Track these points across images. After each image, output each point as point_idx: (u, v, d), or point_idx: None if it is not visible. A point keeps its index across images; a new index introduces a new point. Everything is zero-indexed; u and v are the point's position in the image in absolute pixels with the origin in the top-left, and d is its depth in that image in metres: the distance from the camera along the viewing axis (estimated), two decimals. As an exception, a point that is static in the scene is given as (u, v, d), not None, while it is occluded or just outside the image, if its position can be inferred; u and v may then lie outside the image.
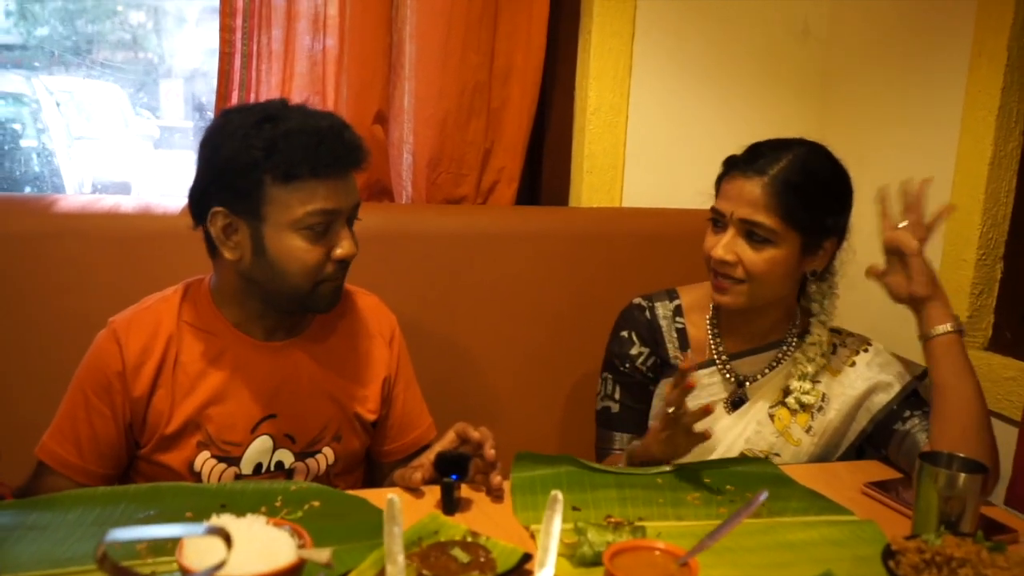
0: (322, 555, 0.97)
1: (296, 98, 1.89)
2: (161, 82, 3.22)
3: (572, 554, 1.17)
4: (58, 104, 3.30)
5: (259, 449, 1.43)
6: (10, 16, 2.95)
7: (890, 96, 2.14)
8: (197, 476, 1.41)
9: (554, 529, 1.01)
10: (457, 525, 1.21)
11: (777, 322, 1.63)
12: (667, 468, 1.48)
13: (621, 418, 1.68)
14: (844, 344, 1.64)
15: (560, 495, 1.02)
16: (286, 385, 1.43)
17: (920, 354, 1.52)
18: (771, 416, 1.59)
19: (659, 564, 1.09)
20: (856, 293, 1.76)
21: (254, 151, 1.29)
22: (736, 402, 1.61)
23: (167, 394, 1.39)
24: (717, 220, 1.54)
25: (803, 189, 1.48)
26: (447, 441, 1.37)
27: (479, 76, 2.08)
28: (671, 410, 1.39)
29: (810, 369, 1.60)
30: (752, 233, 1.50)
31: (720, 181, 1.56)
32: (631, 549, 1.11)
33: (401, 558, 0.97)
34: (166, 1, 3.02)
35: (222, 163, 1.32)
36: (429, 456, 1.37)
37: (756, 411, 1.60)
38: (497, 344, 2.03)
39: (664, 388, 1.64)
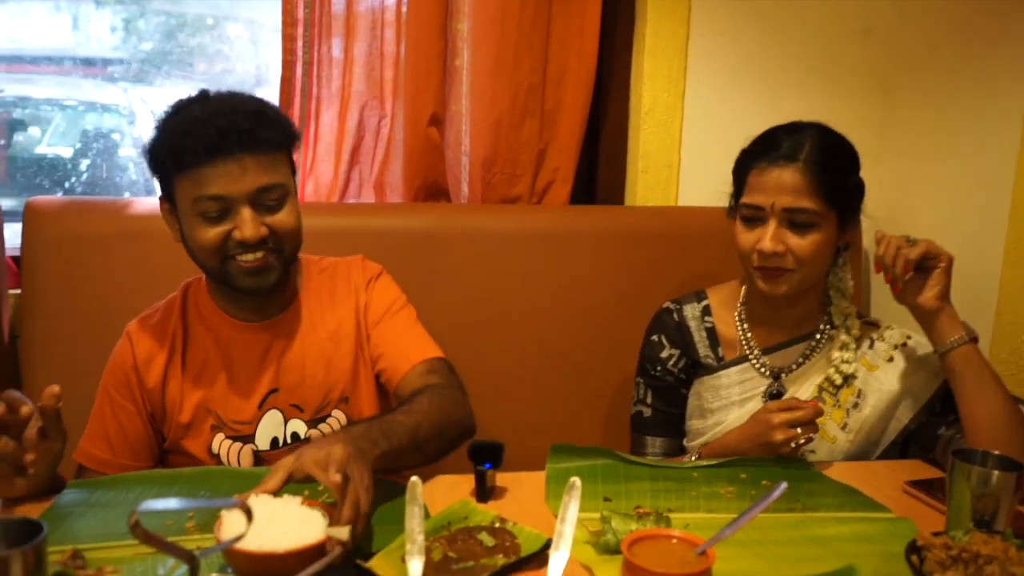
0: (342, 533, 1.01)
1: (355, 103, 2.00)
2: (255, 92, 3.35)
3: (596, 541, 1.18)
4: (153, 114, 3.47)
5: (270, 424, 1.50)
6: (115, 31, 3.11)
7: (954, 98, 2.07)
8: (217, 458, 1.49)
9: (570, 514, 1.05)
10: (487, 512, 1.24)
11: (808, 311, 1.62)
12: (703, 463, 1.49)
13: (653, 422, 1.68)
14: (882, 338, 1.61)
15: (578, 481, 1.06)
16: (281, 359, 1.49)
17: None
18: None
19: (676, 552, 1.10)
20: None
21: (157, 142, 1.37)
22: (774, 395, 1.60)
23: (177, 385, 1.47)
24: (752, 216, 1.53)
25: (832, 164, 1.49)
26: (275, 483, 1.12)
27: (532, 79, 2.10)
28: (799, 443, 1.43)
29: (844, 337, 1.59)
30: (795, 220, 1.49)
31: (745, 175, 1.55)
32: (650, 537, 1.13)
33: (421, 537, 1.03)
34: (262, 15, 3.13)
35: (147, 156, 1.39)
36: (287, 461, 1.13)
37: None
38: (550, 342, 2.05)
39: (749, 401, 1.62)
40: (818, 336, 1.62)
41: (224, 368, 1.48)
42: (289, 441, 1.50)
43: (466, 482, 1.36)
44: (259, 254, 1.38)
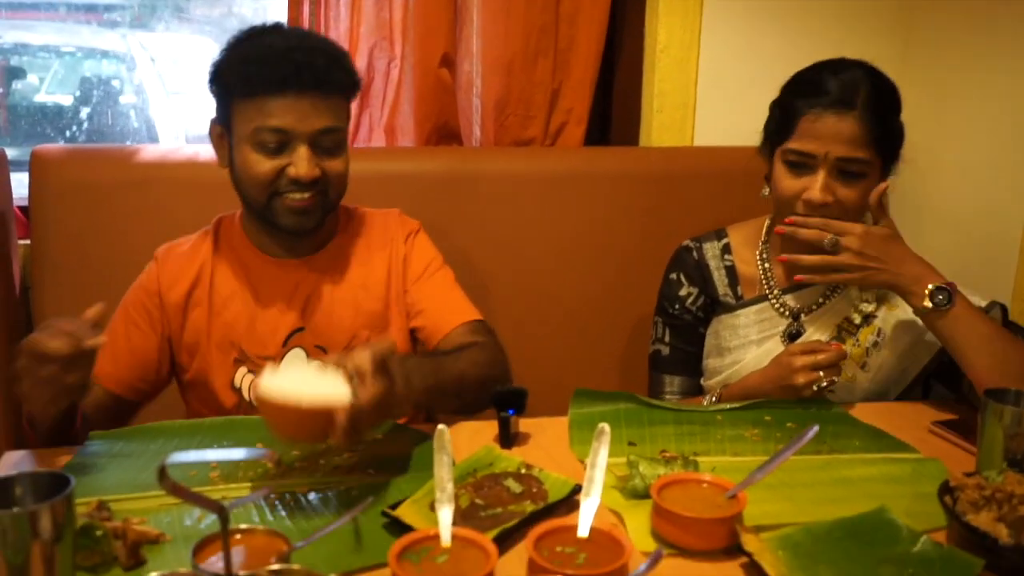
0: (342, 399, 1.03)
1: (363, 45, 1.95)
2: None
3: (624, 487, 1.18)
4: (152, 60, 3.40)
5: None
6: (112, -25, 3.05)
7: (977, 35, 2.01)
8: (238, 392, 1.48)
9: (600, 460, 1.03)
10: (512, 458, 1.24)
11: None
12: (727, 406, 1.47)
13: (670, 361, 1.67)
14: None
15: (607, 427, 1.04)
16: (310, 299, 1.48)
17: (986, 288, 1.47)
18: None
19: (707, 497, 1.10)
20: (927, 226, 1.68)
21: (226, 65, 1.37)
22: (792, 335, 1.59)
23: (203, 314, 1.47)
24: (800, 162, 1.46)
25: (884, 111, 1.45)
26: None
27: (545, 17, 2.05)
28: (821, 386, 1.40)
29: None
30: (847, 170, 1.44)
31: (795, 118, 1.46)
32: (679, 482, 1.13)
33: (450, 485, 1.00)
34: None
35: (210, 77, 1.39)
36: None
37: None
38: (565, 284, 2.03)
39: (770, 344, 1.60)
40: None
41: (251, 302, 1.47)
42: None
43: (489, 428, 1.36)
44: (307, 195, 1.38)
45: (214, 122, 1.44)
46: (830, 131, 1.42)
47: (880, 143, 1.44)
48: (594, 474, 1.03)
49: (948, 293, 1.39)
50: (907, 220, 1.62)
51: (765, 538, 1.05)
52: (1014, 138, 1.88)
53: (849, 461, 1.28)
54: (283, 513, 1.11)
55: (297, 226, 1.41)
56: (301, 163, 1.36)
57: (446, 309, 1.51)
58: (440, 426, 1.05)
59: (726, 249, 1.66)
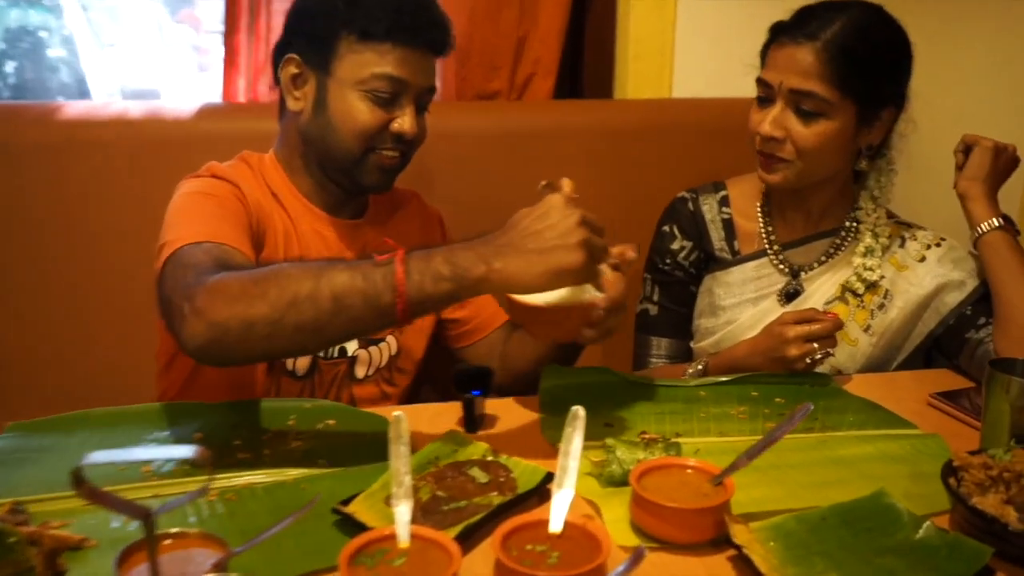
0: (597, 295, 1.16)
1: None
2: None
3: (600, 473, 1.14)
4: (84, 9, 3.29)
5: None
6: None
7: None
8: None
9: (574, 448, 0.98)
10: (477, 444, 1.19)
11: (831, 206, 1.58)
12: (710, 380, 1.44)
13: (659, 321, 1.65)
14: (915, 238, 1.58)
15: (581, 411, 0.99)
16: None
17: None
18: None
19: (691, 483, 1.06)
20: (919, 178, 1.67)
21: (337, 1, 1.34)
22: (790, 294, 1.58)
23: (271, 249, 1.40)
24: (764, 95, 1.49)
25: (859, 53, 1.42)
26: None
27: (510, -42, 1.99)
28: (815, 359, 1.38)
29: (871, 242, 1.56)
30: (802, 106, 1.44)
31: (767, 49, 1.50)
32: (661, 467, 1.09)
33: (408, 479, 0.95)
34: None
35: (304, 10, 1.38)
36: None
37: (811, 306, 1.54)
38: None
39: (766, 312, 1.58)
40: (842, 234, 1.59)
41: (296, 254, 1.42)
42: (336, 356, 1.47)
43: (451, 411, 1.30)
44: (397, 152, 1.39)
45: (292, 57, 1.39)
46: (787, 60, 1.44)
47: (846, 83, 1.42)
48: (567, 463, 0.98)
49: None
50: (901, 169, 1.60)
51: (755, 528, 1.01)
52: (1009, 83, 1.85)
53: (843, 439, 1.26)
54: (221, 512, 1.05)
55: (381, 183, 1.41)
56: (407, 118, 1.36)
57: (490, 309, 1.57)
58: (396, 412, 0.99)
59: (724, 202, 1.65)
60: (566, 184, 1.19)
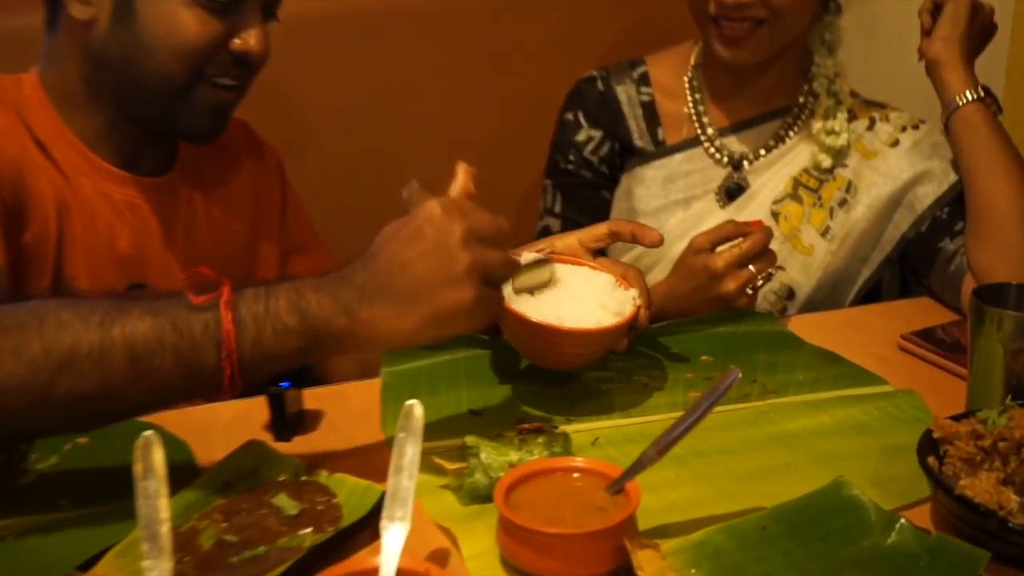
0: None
1: None
2: None
3: (460, 486, 1.04)
4: None
5: None
6: None
7: None
8: None
9: (407, 461, 0.91)
10: (287, 458, 1.08)
11: (782, 78, 1.60)
12: None
13: None
14: (886, 119, 1.60)
15: (417, 408, 0.95)
16: (159, 240, 1.38)
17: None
18: (775, 215, 1.56)
19: (581, 494, 0.97)
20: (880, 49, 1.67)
21: None
22: (731, 191, 1.59)
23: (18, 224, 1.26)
24: None
25: None
26: (597, 236, 1.31)
27: None
28: (757, 285, 1.36)
29: (830, 103, 1.57)
30: None
31: None
32: (540, 473, 0.99)
33: (166, 530, 0.85)
34: None
35: None
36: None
37: (757, 205, 1.57)
38: (403, 162, 1.90)
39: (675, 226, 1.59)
40: (795, 111, 1.60)
41: (72, 230, 1.30)
42: None
43: (255, 411, 1.19)
44: (237, 82, 1.31)
45: None
46: None
47: None
48: (399, 484, 0.90)
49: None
50: (855, 39, 1.65)
51: (670, 552, 0.91)
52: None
53: (790, 407, 1.21)
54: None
55: (212, 128, 1.33)
56: (253, 34, 1.27)
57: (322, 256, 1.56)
58: (146, 432, 0.87)
59: (643, 80, 1.65)
60: (460, 175, 1.12)
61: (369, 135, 1.95)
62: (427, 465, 1.01)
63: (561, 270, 1.20)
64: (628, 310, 1.17)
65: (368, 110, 1.95)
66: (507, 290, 1.11)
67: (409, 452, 0.90)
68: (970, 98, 1.44)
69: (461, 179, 1.11)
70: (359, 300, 0.95)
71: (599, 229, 1.30)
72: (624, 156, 1.63)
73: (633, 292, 1.20)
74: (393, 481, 0.89)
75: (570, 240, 1.29)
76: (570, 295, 1.17)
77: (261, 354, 0.94)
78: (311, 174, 1.73)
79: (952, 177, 1.52)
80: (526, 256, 1.16)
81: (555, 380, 1.27)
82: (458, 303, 0.95)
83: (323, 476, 1.04)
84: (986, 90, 1.46)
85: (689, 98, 1.62)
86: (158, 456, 0.86)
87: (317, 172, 1.83)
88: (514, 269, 1.04)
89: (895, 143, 1.57)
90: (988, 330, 1.10)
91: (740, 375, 0.97)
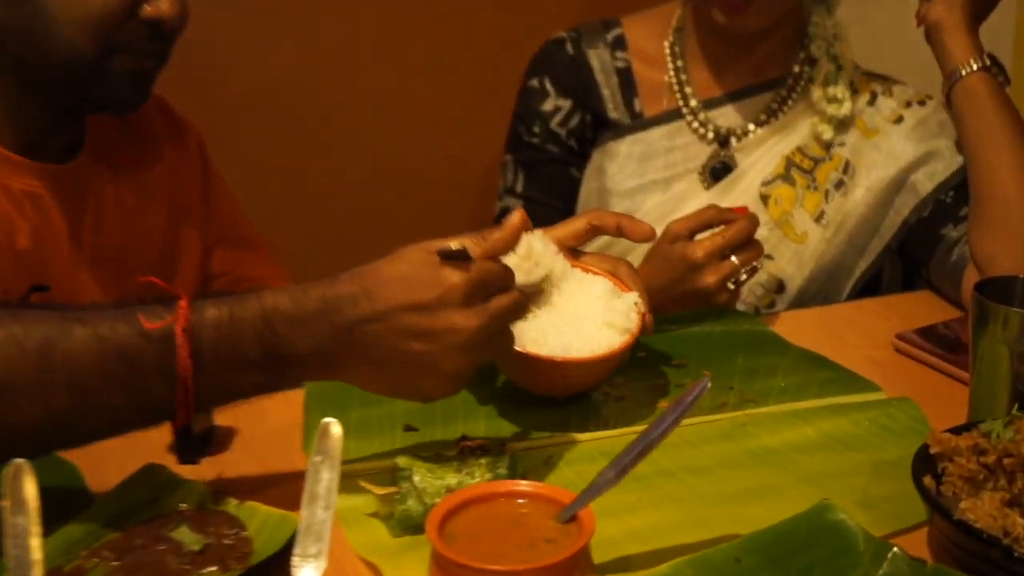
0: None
1: None
2: None
3: (390, 514, 1.02)
4: None
5: None
6: None
7: None
8: None
9: (322, 489, 0.90)
10: (193, 483, 1.06)
11: (778, 48, 1.60)
12: None
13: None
14: (890, 93, 1.61)
15: (334, 425, 0.94)
16: (64, 235, 1.36)
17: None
18: (764, 198, 1.56)
19: (528, 523, 0.94)
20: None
21: None
22: (716, 171, 1.59)
23: None
24: None
25: None
26: (575, 233, 1.28)
27: None
28: (740, 280, 1.36)
29: (829, 66, 1.58)
30: None
31: None
32: (479, 500, 0.96)
33: (37, 574, 0.82)
34: None
35: None
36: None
37: (744, 187, 1.58)
38: (374, 129, 1.96)
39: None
40: (790, 81, 1.60)
41: None
42: None
43: (156, 428, 1.13)
44: (155, 50, 1.31)
45: None
46: None
47: None
48: (313, 516, 0.87)
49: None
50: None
51: None
52: None
53: (770, 418, 1.21)
54: None
55: (134, 97, 1.33)
56: None
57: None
58: (17, 460, 0.84)
59: (618, 44, 1.65)
60: (514, 221, 1.10)
61: (307, 111, 1.97)
62: (352, 489, 1.00)
63: (554, 273, 1.17)
64: (634, 322, 1.16)
65: (305, 83, 1.98)
66: None
67: (325, 478, 0.88)
68: (974, 67, 1.43)
69: (513, 226, 1.09)
70: (338, 346, 0.96)
71: (577, 224, 1.27)
72: (596, 129, 1.63)
73: (633, 296, 1.18)
74: (307, 512, 0.87)
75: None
76: (570, 314, 1.16)
77: (219, 388, 0.95)
78: (241, 155, 1.75)
79: (960, 159, 1.53)
80: (515, 262, 1.11)
81: (506, 391, 1.26)
82: (442, 391, 1.01)
83: (232, 505, 1.03)
84: (992, 59, 1.45)
85: (670, 65, 1.63)
86: (29, 488, 0.83)
87: (247, 153, 1.85)
88: (520, 311, 1.05)
89: (898, 120, 1.57)
90: (992, 330, 1.10)
91: (710, 383, 0.95)
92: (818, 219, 1.56)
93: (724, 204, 1.50)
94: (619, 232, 1.26)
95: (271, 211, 1.70)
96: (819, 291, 1.56)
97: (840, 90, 1.55)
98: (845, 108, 1.55)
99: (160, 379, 0.93)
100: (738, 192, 1.56)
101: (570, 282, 1.18)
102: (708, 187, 1.57)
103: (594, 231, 1.27)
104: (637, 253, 1.47)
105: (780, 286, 1.54)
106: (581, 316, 1.15)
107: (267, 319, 0.95)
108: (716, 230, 1.33)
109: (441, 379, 0.99)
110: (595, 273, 1.20)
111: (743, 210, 1.36)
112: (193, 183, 1.53)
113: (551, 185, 1.64)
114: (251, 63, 1.91)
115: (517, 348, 1.10)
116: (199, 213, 1.53)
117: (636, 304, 1.17)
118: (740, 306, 1.54)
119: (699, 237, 1.33)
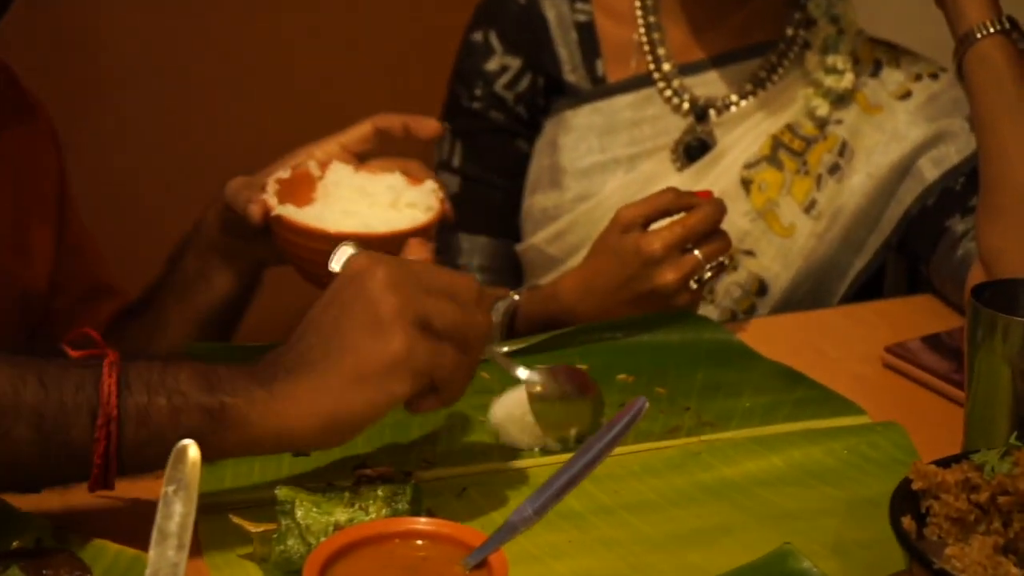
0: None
1: None
2: None
3: (266, 555, 1.02)
4: None
5: None
6: None
7: None
8: None
9: (174, 525, 0.89)
10: (30, 516, 1.06)
11: (770, 6, 1.64)
12: (508, 346, 1.37)
13: (464, 204, 1.61)
14: (896, 64, 1.63)
15: (191, 447, 0.93)
16: None
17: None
18: (746, 183, 1.58)
19: (427, 569, 0.95)
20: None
21: None
22: (691, 149, 1.60)
23: None
24: None
25: None
26: (361, 137, 1.43)
27: None
28: (704, 279, 1.36)
29: (831, 30, 1.60)
30: None
31: None
32: (370, 541, 0.96)
33: None
34: None
35: None
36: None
37: (723, 169, 1.60)
38: (306, 114, 1.98)
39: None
40: (782, 47, 1.63)
41: None
42: None
43: None
44: None
45: None
46: None
47: None
48: (162, 558, 0.87)
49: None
50: None
51: None
52: None
53: (730, 446, 1.21)
54: None
55: None
56: None
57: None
58: None
59: None
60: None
61: (190, 86, 2.03)
62: (224, 526, 1.01)
63: (336, 176, 1.34)
64: (436, 204, 1.30)
65: (189, 52, 2.03)
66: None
67: (178, 512, 0.88)
68: (991, 30, 1.42)
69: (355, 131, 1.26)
70: (276, 370, 1.00)
71: (363, 127, 1.39)
72: (549, 95, 1.66)
73: (430, 184, 1.32)
74: (155, 554, 0.87)
75: (330, 147, 1.38)
76: (364, 198, 1.30)
77: (147, 431, 0.96)
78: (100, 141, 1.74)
79: (974, 144, 1.52)
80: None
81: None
82: (384, 356, 0.98)
83: (75, 542, 1.03)
84: (1011, 21, 1.45)
85: (641, 22, 1.64)
86: None
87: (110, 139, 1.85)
88: (481, 331, 1.07)
89: (906, 95, 1.59)
90: (990, 343, 1.10)
91: (647, 405, 0.96)
92: (808, 209, 1.57)
93: (696, 188, 1.50)
94: (405, 132, 1.34)
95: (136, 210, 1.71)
96: (807, 294, 1.58)
97: (841, 59, 1.57)
98: (846, 80, 1.57)
99: (79, 412, 0.95)
100: (716, 175, 1.58)
101: (357, 180, 1.34)
102: (681, 168, 1.59)
103: (380, 133, 1.37)
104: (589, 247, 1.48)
105: (762, 287, 1.56)
106: (380, 204, 1.28)
107: (202, 361, 1.01)
108: (675, 218, 1.34)
109: (379, 363, 1.01)
110: (384, 173, 1.35)
111: (707, 194, 1.37)
112: (45, 169, 1.55)
113: (494, 159, 1.67)
114: (118, 31, 1.96)
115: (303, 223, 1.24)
116: (53, 206, 1.55)
117: (435, 191, 1.28)
118: (713, 311, 1.55)
119: (655, 226, 1.34)
